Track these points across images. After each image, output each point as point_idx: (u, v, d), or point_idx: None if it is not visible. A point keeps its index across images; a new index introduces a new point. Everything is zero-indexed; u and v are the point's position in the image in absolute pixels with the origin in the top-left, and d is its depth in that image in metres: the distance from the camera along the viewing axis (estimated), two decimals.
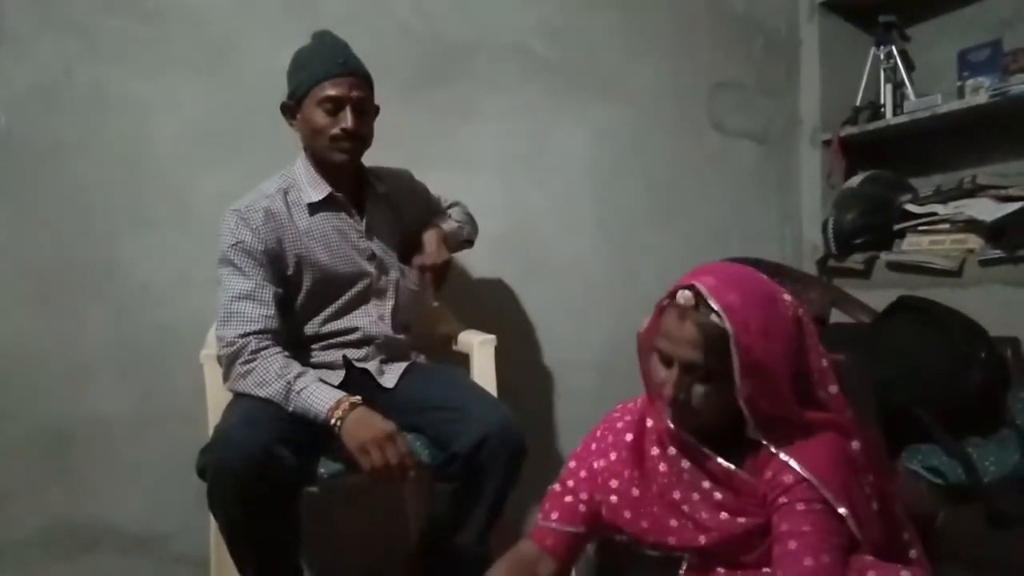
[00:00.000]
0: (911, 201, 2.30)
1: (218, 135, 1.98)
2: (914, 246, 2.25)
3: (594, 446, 1.28)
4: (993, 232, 2.04)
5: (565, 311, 2.34)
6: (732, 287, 1.09)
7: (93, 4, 1.87)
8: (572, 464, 1.30)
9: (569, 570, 1.30)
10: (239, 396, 1.52)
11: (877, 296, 2.03)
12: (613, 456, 1.25)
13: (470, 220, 1.97)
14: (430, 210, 1.90)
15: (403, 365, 1.72)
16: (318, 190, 1.64)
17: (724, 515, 1.14)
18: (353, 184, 1.70)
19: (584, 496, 1.25)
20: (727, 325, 1.05)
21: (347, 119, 1.56)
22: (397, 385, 1.68)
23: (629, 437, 1.24)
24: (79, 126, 1.88)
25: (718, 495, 1.15)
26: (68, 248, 1.88)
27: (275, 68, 1.92)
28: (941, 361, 1.63)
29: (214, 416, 1.61)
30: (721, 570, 1.15)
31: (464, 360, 1.88)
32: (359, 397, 1.46)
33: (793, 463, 1.09)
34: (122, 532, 1.93)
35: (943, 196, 2.22)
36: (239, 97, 1.99)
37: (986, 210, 2.06)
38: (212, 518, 1.45)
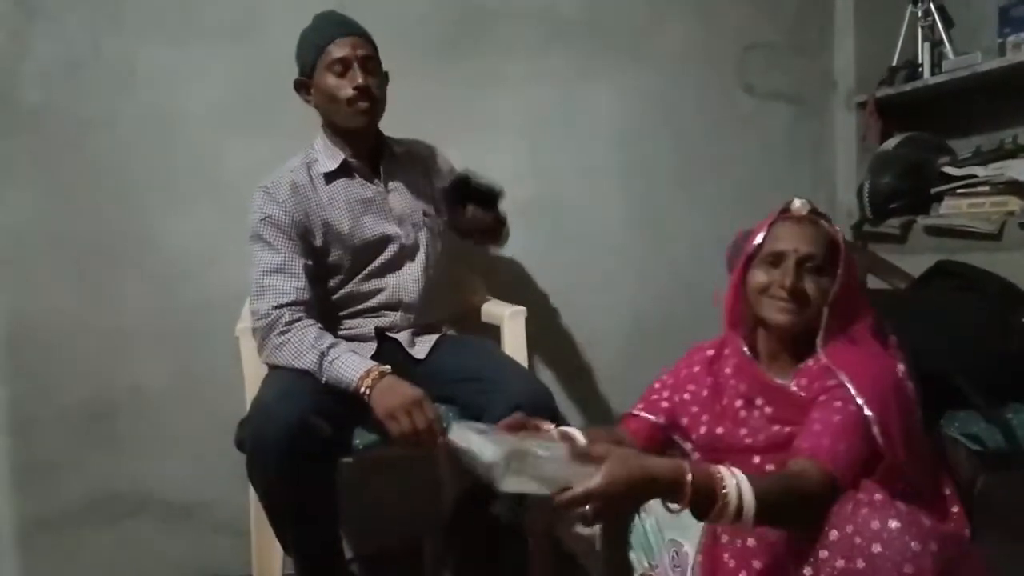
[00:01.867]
0: (949, 163, 2.24)
1: (248, 106, 1.98)
2: (952, 209, 2.19)
3: (681, 366, 1.44)
4: None
5: (592, 278, 2.32)
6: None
7: None
8: (661, 378, 1.45)
9: None
10: (275, 369, 1.54)
11: (914, 261, 1.99)
12: (696, 369, 1.41)
13: None
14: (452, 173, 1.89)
15: (434, 337, 1.73)
16: (333, 159, 1.66)
17: (775, 427, 1.24)
18: (370, 150, 1.71)
19: (667, 395, 1.41)
20: (838, 232, 1.26)
21: (357, 76, 1.58)
22: (429, 357, 1.69)
23: (711, 353, 1.41)
24: (109, 100, 1.90)
25: (769, 409, 1.27)
26: (103, 222, 1.91)
27: None
28: (980, 327, 1.60)
29: (251, 388, 1.64)
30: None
31: (491, 331, 1.88)
32: (389, 367, 1.47)
33: (838, 369, 1.17)
34: (164, 500, 1.98)
35: (983, 158, 2.15)
36: (268, 67, 1.97)
37: None
38: (251, 489, 1.48)
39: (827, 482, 1.07)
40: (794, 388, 1.24)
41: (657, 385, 1.45)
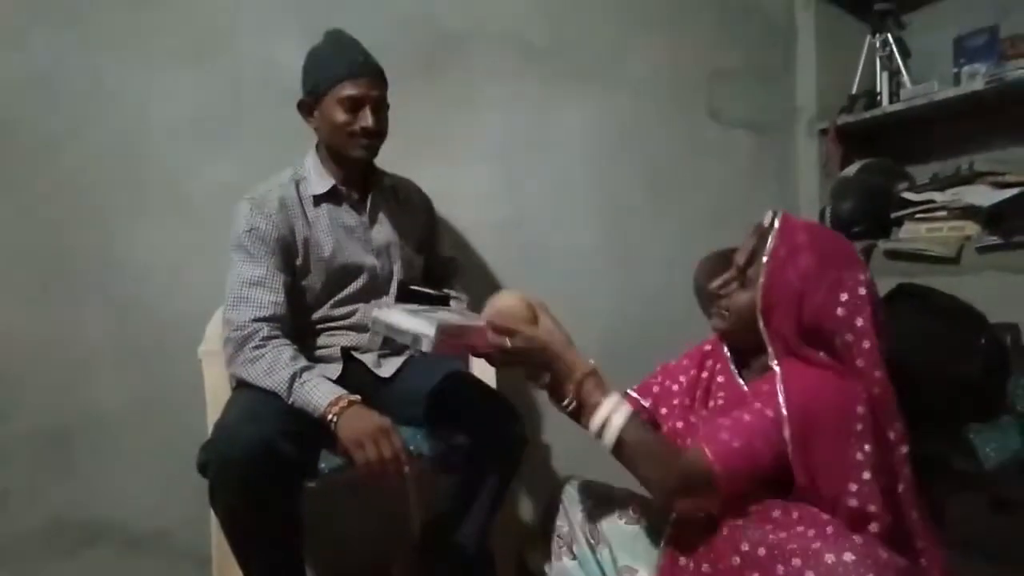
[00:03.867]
0: (908, 189, 2.29)
1: (213, 125, 1.96)
2: (911, 234, 2.24)
3: (683, 356, 1.47)
4: (991, 218, 2.04)
5: (563, 299, 2.29)
6: (809, 233, 1.21)
7: None
8: (666, 363, 1.50)
9: None
10: (239, 390, 1.52)
11: (876, 284, 2.03)
12: (685, 362, 1.45)
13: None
14: (432, 235, 1.91)
15: (401, 359, 1.72)
16: (323, 183, 1.66)
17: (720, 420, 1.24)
18: (360, 178, 1.71)
19: (659, 379, 1.47)
20: (770, 244, 1.19)
21: (367, 118, 1.59)
22: (396, 376, 1.68)
23: (708, 348, 1.43)
24: (73, 117, 1.87)
25: (721, 404, 1.31)
26: (65, 241, 1.87)
27: (269, 57, 1.93)
28: (941, 348, 1.63)
29: (213, 412, 1.61)
30: None
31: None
32: (359, 396, 1.46)
33: (778, 379, 1.15)
34: (123, 528, 1.92)
35: (940, 183, 2.21)
36: (233, 87, 1.98)
37: (984, 196, 2.06)
38: (213, 514, 1.44)
39: (699, 470, 1.10)
40: (745, 389, 1.29)
41: (658, 369, 1.49)
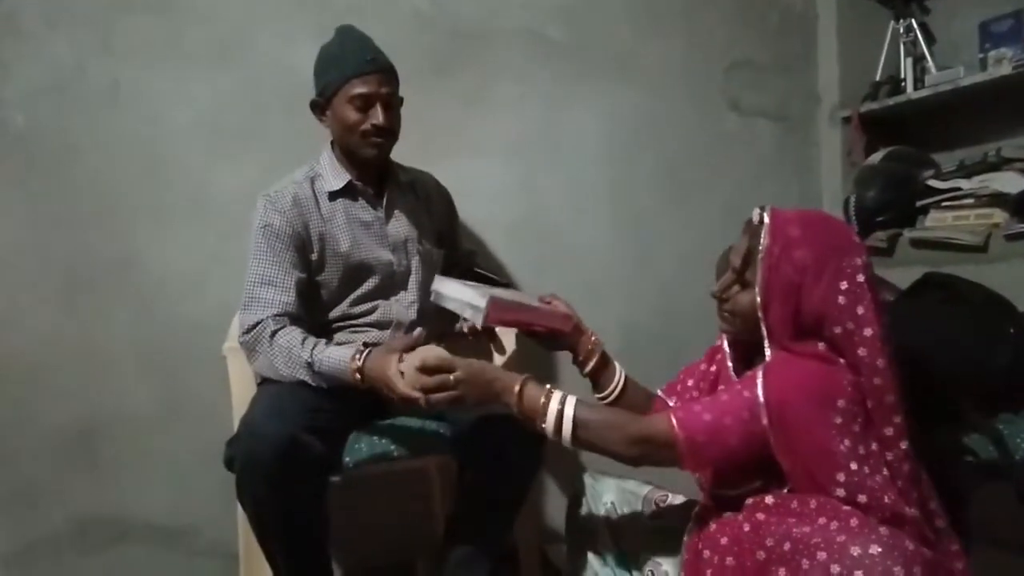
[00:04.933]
0: (934, 176, 2.26)
1: (232, 129, 1.98)
2: (938, 222, 2.21)
3: (705, 352, 1.47)
4: (1019, 205, 2.00)
5: (579, 296, 2.29)
6: (802, 224, 1.18)
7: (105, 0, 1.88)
8: (694, 361, 1.49)
9: None
10: (264, 386, 1.53)
11: (901, 274, 2.00)
12: (701, 359, 1.45)
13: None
14: (452, 229, 1.91)
15: None
16: (339, 179, 1.66)
17: None
18: (376, 174, 1.71)
19: (681, 377, 1.47)
20: (763, 240, 1.17)
21: (378, 116, 1.58)
22: None
23: (718, 343, 1.41)
24: (94, 123, 1.89)
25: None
26: (88, 245, 1.89)
27: (288, 60, 1.94)
28: (969, 338, 1.61)
29: (239, 408, 1.62)
30: None
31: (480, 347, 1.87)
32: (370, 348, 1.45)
33: (762, 366, 1.16)
34: (150, 525, 1.95)
35: (967, 170, 2.18)
36: (253, 90, 1.99)
37: (1011, 183, 2.03)
38: (240, 510, 1.46)
39: (661, 431, 1.14)
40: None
41: (683, 368, 1.50)
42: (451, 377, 1.24)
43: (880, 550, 0.97)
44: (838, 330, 1.14)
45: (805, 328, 1.16)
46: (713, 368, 1.39)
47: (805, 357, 1.16)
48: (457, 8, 2.18)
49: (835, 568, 0.98)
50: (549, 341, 1.46)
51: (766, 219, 1.19)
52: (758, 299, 1.18)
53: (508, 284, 1.87)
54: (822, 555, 1.00)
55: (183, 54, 1.94)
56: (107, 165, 1.90)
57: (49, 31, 1.85)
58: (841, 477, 1.09)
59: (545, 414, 1.20)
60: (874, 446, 1.12)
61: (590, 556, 1.35)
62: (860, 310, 1.14)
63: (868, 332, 1.13)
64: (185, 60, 1.94)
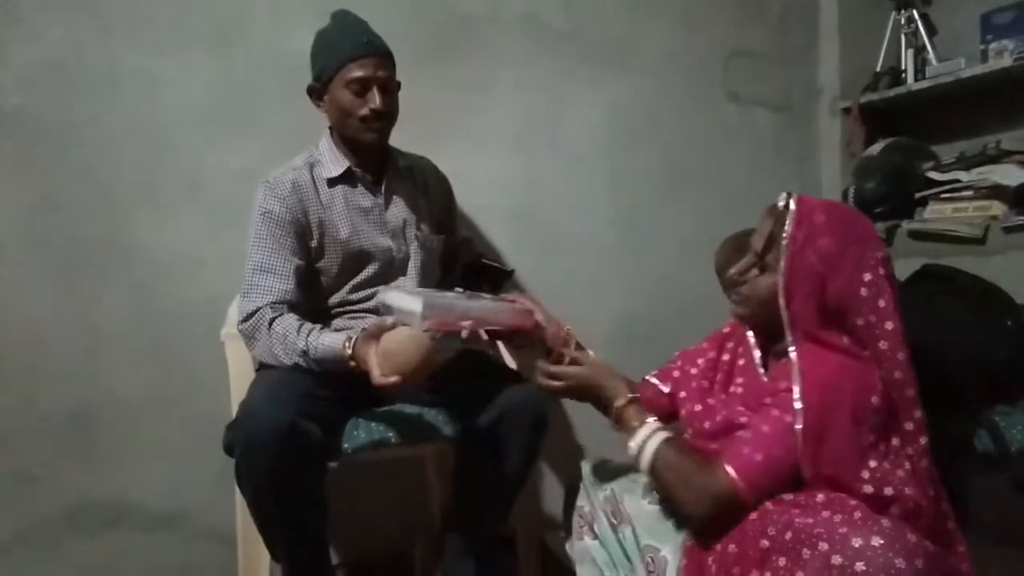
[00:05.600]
0: (933, 168, 2.26)
1: (230, 113, 1.97)
2: (937, 214, 2.21)
3: (703, 339, 1.48)
4: (1018, 198, 2.01)
5: (579, 285, 2.32)
6: (827, 212, 1.18)
7: None
8: (687, 347, 1.50)
9: None
10: (262, 371, 1.53)
11: (900, 265, 1.97)
12: (705, 345, 1.45)
13: None
14: (450, 216, 1.90)
15: None
16: (337, 165, 1.65)
17: (739, 408, 1.26)
18: (375, 160, 1.70)
19: (679, 363, 1.47)
20: (788, 227, 1.16)
21: (376, 99, 1.57)
22: None
23: (727, 329, 1.44)
24: (91, 106, 1.87)
25: (741, 391, 1.31)
26: (85, 228, 1.88)
27: (286, 44, 1.93)
28: (967, 330, 1.61)
29: (237, 393, 1.62)
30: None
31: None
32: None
33: (798, 372, 1.15)
34: (145, 509, 1.95)
35: (966, 162, 2.18)
36: (250, 74, 1.97)
37: (1011, 175, 2.03)
38: (237, 494, 1.46)
39: (726, 490, 1.12)
40: (765, 379, 1.28)
41: (678, 353, 1.49)
42: (571, 371, 1.28)
43: (882, 541, 0.98)
44: (860, 322, 1.15)
45: (828, 317, 1.17)
46: (726, 357, 1.39)
47: (836, 352, 1.16)
48: None
49: (836, 559, 0.98)
50: (517, 338, 1.45)
51: (792, 205, 1.19)
52: (780, 284, 1.18)
53: (513, 272, 1.89)
54: (824, 545, 1.00)
55: (181, 38, 1.93)
56: (105, 149, 1.89)
57: (46, 14, 1.83)
58: (866, 474, 1.10)
59: (632, 437, 1.22)
60: (895, 441, 1.14)
61: (589, 542, 1.36)
62: (882, 303, 1.15)
63: (889, 326, 1.14)
64: (183, 44, 1.93)
